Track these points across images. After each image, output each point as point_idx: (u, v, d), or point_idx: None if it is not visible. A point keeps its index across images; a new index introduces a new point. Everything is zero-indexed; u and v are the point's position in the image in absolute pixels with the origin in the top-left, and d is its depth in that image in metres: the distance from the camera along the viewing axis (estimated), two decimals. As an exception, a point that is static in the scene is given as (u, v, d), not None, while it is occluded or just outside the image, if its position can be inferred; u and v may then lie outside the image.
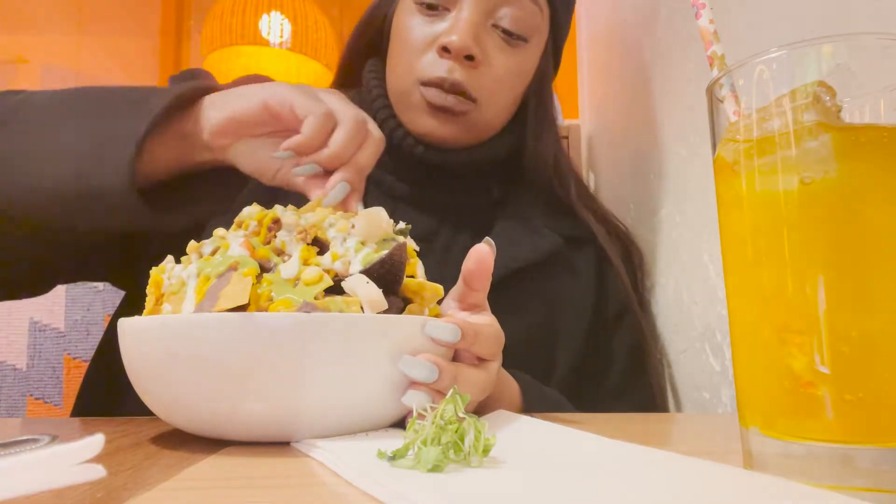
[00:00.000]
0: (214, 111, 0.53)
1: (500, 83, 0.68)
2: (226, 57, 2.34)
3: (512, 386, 0.53)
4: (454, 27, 0.65)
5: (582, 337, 0.70)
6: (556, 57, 0.77)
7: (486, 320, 0.43)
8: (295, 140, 0.48)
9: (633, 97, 0.95)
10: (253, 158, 0.54)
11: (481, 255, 0.42)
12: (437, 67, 0.65)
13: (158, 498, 0.25)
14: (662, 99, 0.83)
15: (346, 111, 0.50)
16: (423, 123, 0.67)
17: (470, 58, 0.65)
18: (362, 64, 0.77)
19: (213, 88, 0.55)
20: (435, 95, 0.65)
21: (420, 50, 0.67)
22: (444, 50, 0.65)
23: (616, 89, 1.06)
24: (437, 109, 0.66)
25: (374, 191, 0.72)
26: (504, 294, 0.62)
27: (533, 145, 0.75)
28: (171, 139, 0.54)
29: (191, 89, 0.54)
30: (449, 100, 0.65)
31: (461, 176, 0.73)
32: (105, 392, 0.66)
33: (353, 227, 0.41)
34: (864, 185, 0.26)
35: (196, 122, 0.53)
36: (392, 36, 0.71)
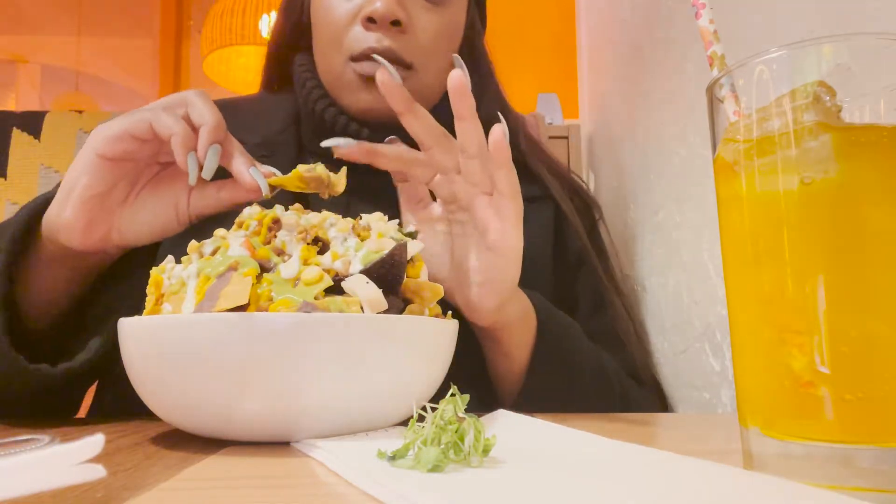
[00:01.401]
0: (62, 218, 0.47)
1: (432, 44, 0.66)
2: (226, 57, 2.34)
3: (525, 299, 0.55)
4: None
5: (549, 291, 0.69)
6: (481, 12, 0.76)
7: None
8: (179, 153, 0.45)
9: (633, 97, 0.95)
10: (142, 223, 0.49)
11: (451, 75, 0.47)
12: (365, 40, 0.63)
13: (158, 498, 0.25)
14: (662, 99, 0.83)
15: (180, 94, 0.48)
16: (363, 100, 0.65)
17: (397, 23, 0.63)
18: (289, 63, 0.75)
19: (41, 202, 0.49)
20: (368, 68, 0.63)
21: (344, 26, 0.65)
22: (370, 20, 0.63)
23: (616, 89, 1.06)
24: (373, 83, 0.63)
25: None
26: None
27: (476, 104, 0.74)
28: (48, 269, 0.49)
29: (21, 223, 0.48)
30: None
31: None
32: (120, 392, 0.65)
33: (361, 232, 0.41)
34: (864, 185, 0.26)
35: (54, 243, 0.48)
36: (314, 22, 0.69)
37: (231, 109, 0.74)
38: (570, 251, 0.73)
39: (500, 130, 0.48)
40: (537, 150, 0.78)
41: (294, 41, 0.75)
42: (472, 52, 0.74)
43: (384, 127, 0.68)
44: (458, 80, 0.47)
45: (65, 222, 0.47)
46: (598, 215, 0.80)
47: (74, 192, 0.46)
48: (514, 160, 0.77)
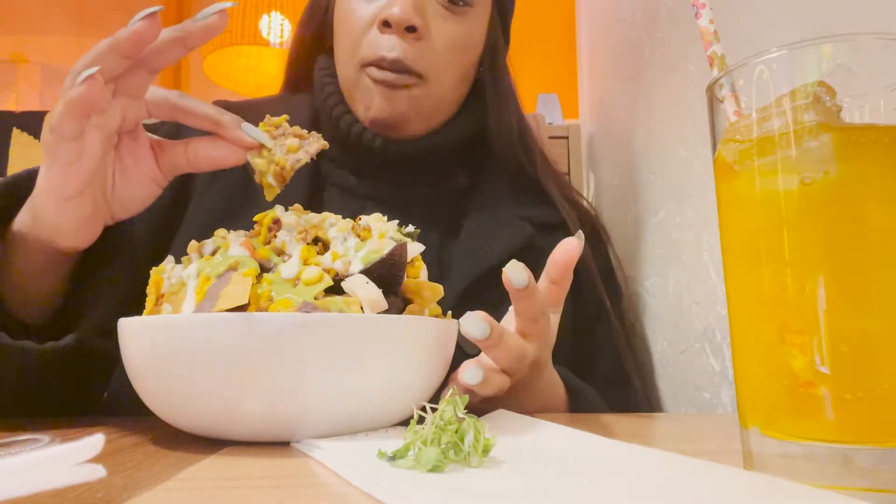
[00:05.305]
0: (47, 213, 0.43)
1: (446, 54, 0.66)
2: (226, 57, 2.34)
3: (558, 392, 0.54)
4: (394, 0, 0.63)
5: (568, 331, 0.68)
6: (504, 30, 0.76)
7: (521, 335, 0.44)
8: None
9: (633, 97, 0.95)
10: (129, 198, 0.46)
11: (568, 247, 0.45)
12: (378, 46, 0.64)
13: (158, 498, 0.25)
14: (662, 99, 0.83)
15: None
16: (373, 107, 0.66)
17: (412, 29, 0.63)
18: (311, 63, 0.75)
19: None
20: (377, 72, 0.64)
21: (362, 29, 0.65)
22: (385, 24, 0.63)
23: (616, 89, 1.06)
24: (382, 85, 0.65)
25: (340, 192, 0.69)
26: (482, 293, 0.61)
27: (496, 121, 0.74)
28: (37, 261, 0.46)
29: None
30: (390, 75, 0.64)
31: (426, 166, 0.71)
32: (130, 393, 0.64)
33: (361, 232, 0.41)
34: (864, 185, 0.26)
35: (34, 248, 0.45)
36: (336, 24, 0.70)
37: (254, 109, 0.74)
38: (589, 298, 0.73)
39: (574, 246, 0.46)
40: (552, 172, 0.78)
41: (317, 42, 0.75)
42: (493, 68, 0.74)
43: (398, 136, 0.68)
44: (573, 248, 0.46)
45: (53, 227, 0.44)
46: (606, 238, 0.80)
47: (52, 191, 0.43)
48: (530, 182, 0.76)
